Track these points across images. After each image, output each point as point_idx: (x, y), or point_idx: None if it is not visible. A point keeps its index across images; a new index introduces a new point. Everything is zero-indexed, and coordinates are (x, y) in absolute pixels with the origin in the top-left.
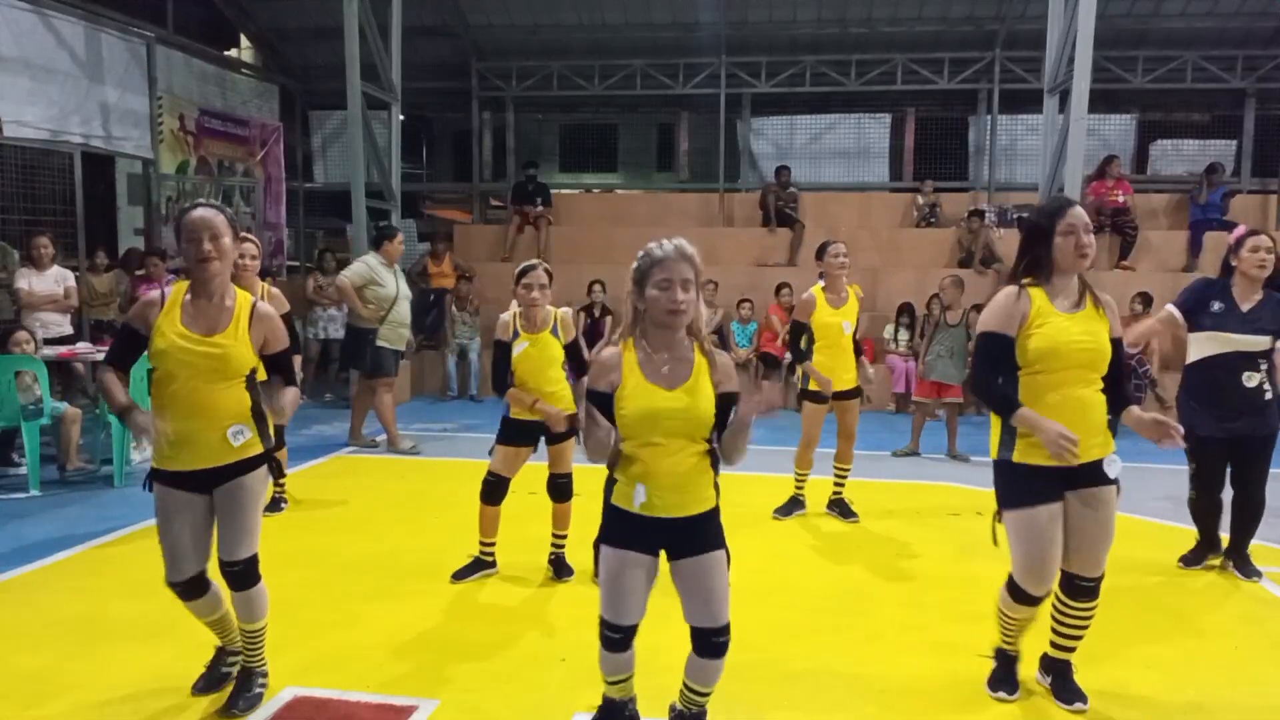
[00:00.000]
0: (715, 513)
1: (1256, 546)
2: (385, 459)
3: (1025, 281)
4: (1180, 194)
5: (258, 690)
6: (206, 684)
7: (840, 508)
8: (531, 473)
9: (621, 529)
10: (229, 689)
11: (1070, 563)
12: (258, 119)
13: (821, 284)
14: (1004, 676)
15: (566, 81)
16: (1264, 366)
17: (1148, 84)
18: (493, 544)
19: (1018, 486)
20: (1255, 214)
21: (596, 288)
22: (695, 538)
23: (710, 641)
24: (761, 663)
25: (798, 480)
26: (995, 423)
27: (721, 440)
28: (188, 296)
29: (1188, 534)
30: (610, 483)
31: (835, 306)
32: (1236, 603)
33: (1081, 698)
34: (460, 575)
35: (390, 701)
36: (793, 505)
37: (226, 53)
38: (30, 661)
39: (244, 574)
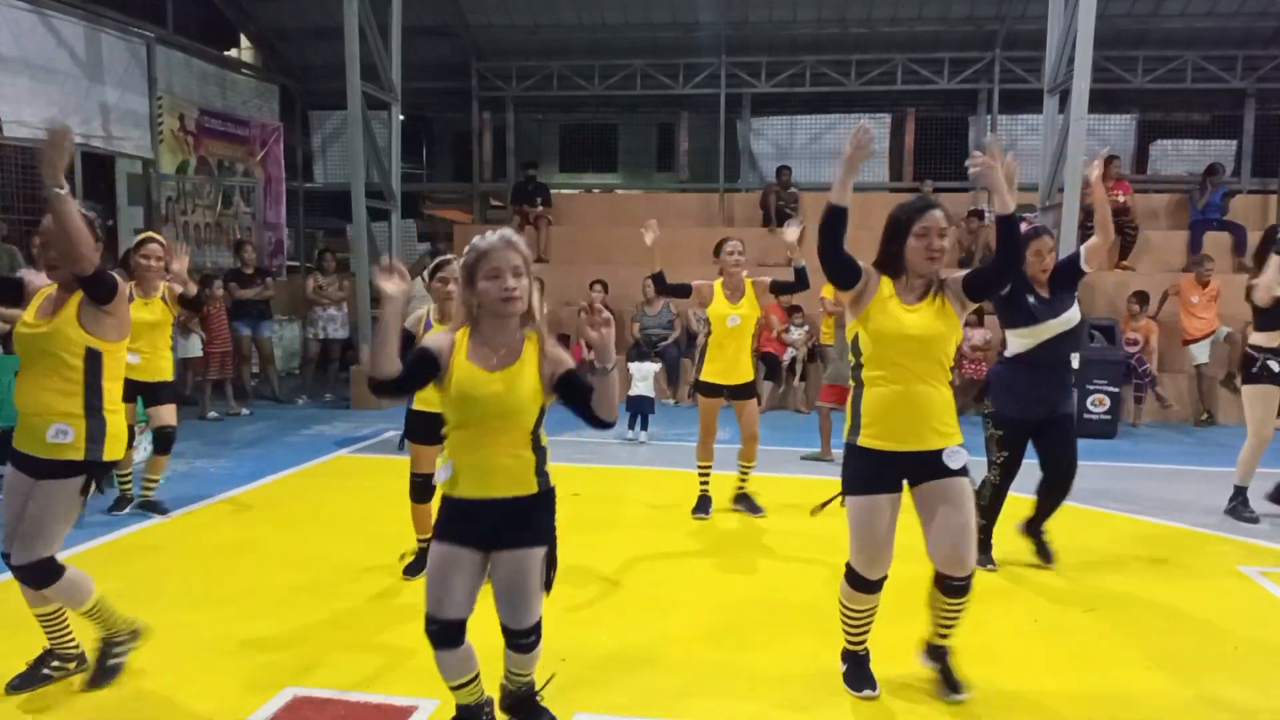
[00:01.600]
0: (538, 500)
1: (1256, 546)
2: (384, 459)
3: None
4: (1180, 194)
5: (114, 662)
6: (21, 681)
7: (746, 503)
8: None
9: (449, 521)
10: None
11: (936, 560)
12: (258, 119)
13: (721, 279)
14: (858, 674)
15: (566, 81)
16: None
17: (1148, 84)
18: (429, 539)
19: (859, 471)
20: (1255, 214)
21: (597, 288)
22: (514, 529)
23: (518, 642)
24: (754, 661)
25: (701, 475)
26: (848, 409)
27: (593, 401)
28: (51, 293)
29: (1188, 534)
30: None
31: (731, 301)
32: (1236, 603)
33: (959, 687)
34: (412, 571)
35: (390, 701)
36: (704, 504)
37: (226, 53)
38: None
39: (30, 575)
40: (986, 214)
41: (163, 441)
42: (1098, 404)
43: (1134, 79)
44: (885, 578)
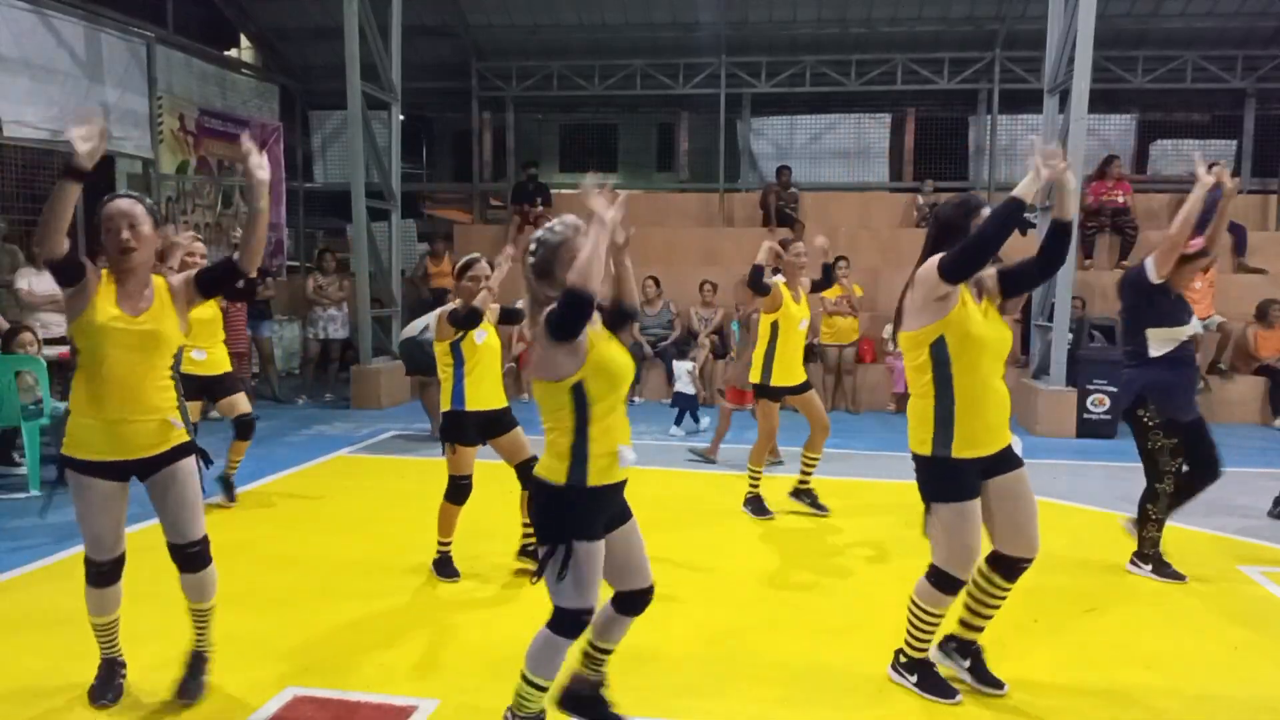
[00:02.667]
0: None
1: (1256, 546)
2: (384, 459)
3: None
4: (1180, 194)
5: (203, 678)
6: (111, 696)
7: (810, 498)
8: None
9: (595, 514)
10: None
11: (1012, 547)
12: (258, 119)
13: (784, 280)
14: (937, 682)
15: (566, 81)
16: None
17: (1148, 84)
18: (449, 543)
19: (953, 481)
20: (1255, 214)
21: None
22: (623, 501)
23: (645, 600)
24: (760, 661)
25: (752, 478)
26: (925, 419)
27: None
28: (115, 285)
29: (1186, 534)
30: (578, 466)
31: (797, 302)
32: (1236, 603)
33: (1000, 682)
34: (448, 574)
35: (390, 701)
36: (759, 505)
37: (226, 53)
38: (30, 661)
39: (199, 555)
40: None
41: (244, 428)
42: (1098, 404)
43: (1134, 79)
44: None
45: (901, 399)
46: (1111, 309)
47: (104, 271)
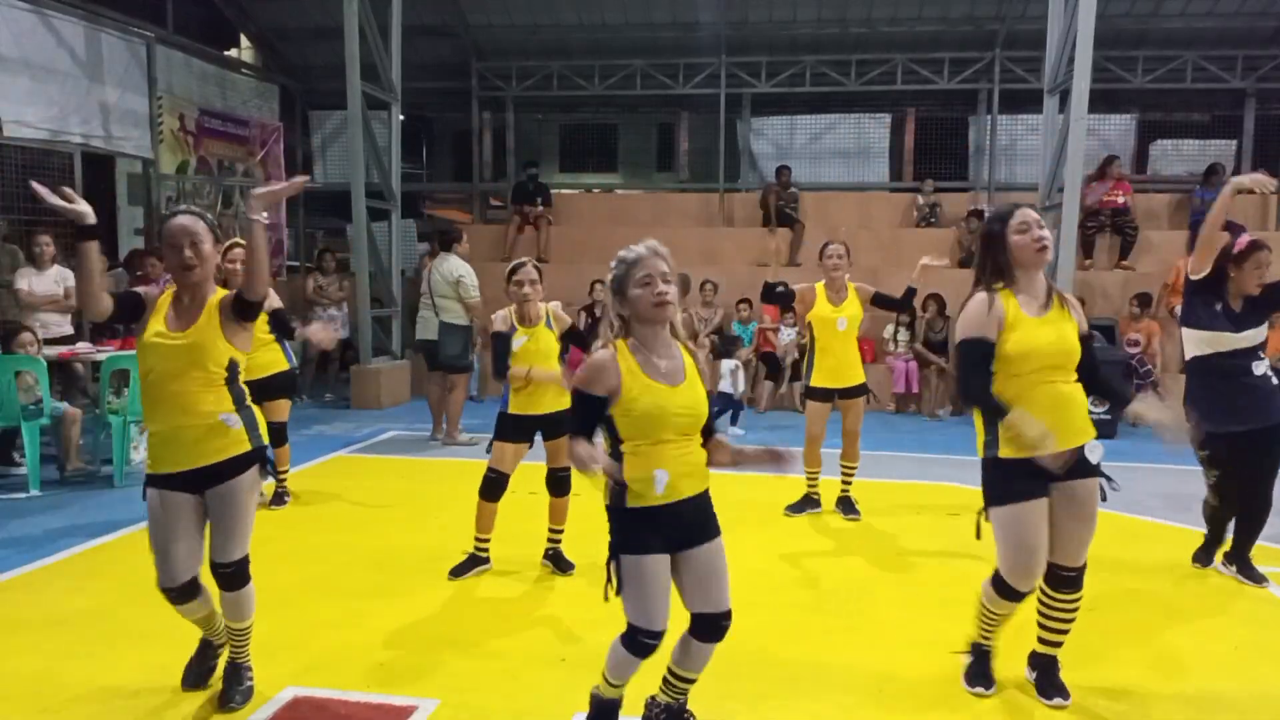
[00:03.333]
0: (708, 493)
1: (1257, 546)
2: (384, 459)
3: (996, 286)
4: (1180, 194)
5: (248, 684)
6: (196, 678)
7: (845, 506)
8: (531, 471)
9: (642, 531)
10: (217, 685)
11: (1053, 553)
12: (258, 119)
13: (824, 281)
14: (981, 671)
15: (566, 81)
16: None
17: (1148, 84)
18: (488, 540)
19: (1005, 482)
20: (1255, 214)
21: (598, 287)
22: (702, 523)
23: (720, 625)
24: (763, 661)
25: (809, 479)
26: (978, 423)
27: (709, 448)
28: (171, 302)
29: (1187, 534)
30: (619, 491)
31: (834, 304)
32: (1237, 603)
33: (1063, 693)
34: (457, 572)
35: (390, 701)
36: (805, 503)
37: (226, 53)
38: (30, 661)
39: (233, 576)
40: (987, 214)
41: (276, 436)
42: (1098, 404)
43: (1134, 79)
44: (1035, 587)
45: (902, 399)
46: (1112, 309)
47: (169, 290)
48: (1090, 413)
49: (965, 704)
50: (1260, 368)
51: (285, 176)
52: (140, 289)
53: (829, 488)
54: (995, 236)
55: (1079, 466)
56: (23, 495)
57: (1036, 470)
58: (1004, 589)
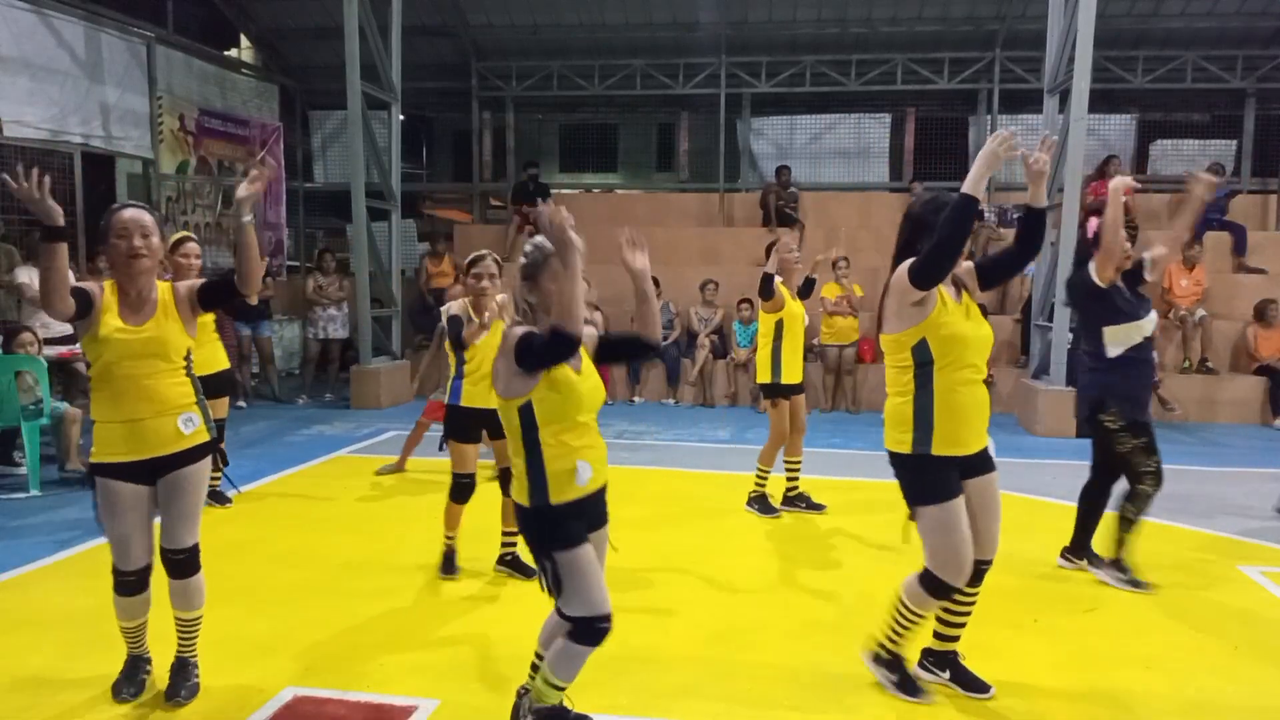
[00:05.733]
0: None
1: (1256, 546)
2: (384, 459)
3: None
4: (1180, 194)
5: (195, 680)
6: (137, 690)
7: (806, 502)
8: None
9: (574, 522)
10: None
11: (976, 549)
12: (258, 119)
13: (781, 280)
14: (910, 679)
15: (566, 81)
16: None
17: (1148, 84)
18: (454, 535)
19: (936, 480)
20: (1255, 214)
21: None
22: (603, 506)
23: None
24: (760, 662)
25: (789, 475)
26: (905, 418)
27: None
28: (115, 294)
29: (1188, 534)
30: (540, 489)
31: (798, 300)
32: (1236, 603)
33: (987, 686)
34: (447, 570)
35: (390, 701)
36: (764, 503)
37: (226, 53)
38: (30, 661)
39: (187, 562)
40: (987, 214)
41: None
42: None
43: (1134, 79)
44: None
45: None
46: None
47: (108, 283)
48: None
49: (966, 703)
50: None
51: (285, 176)
52: (84, 284)
53: (812, 486)
54: (928, 224)
55: (986, 462)
56: (23, 495)
57: (956, 466)
58: (936, 586)
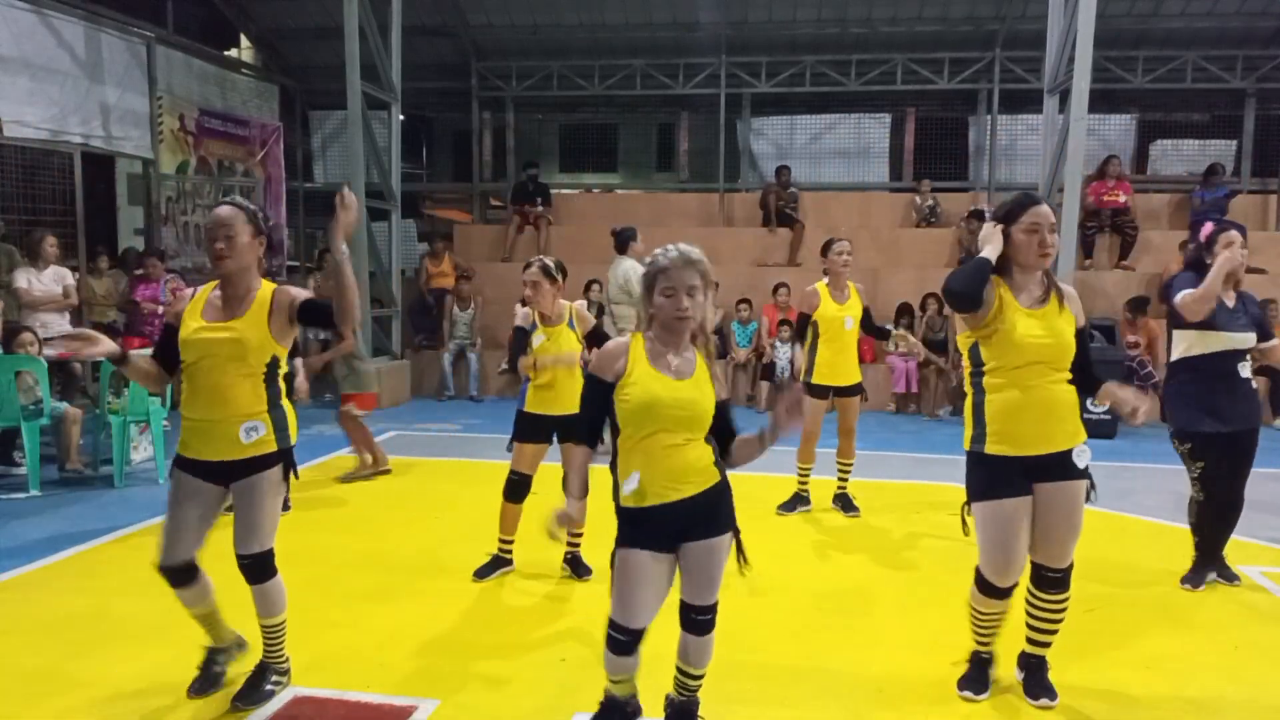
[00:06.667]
0: (722, 489)
1: (1256, 546)
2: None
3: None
4: (1180, 194)
5: (269, 688)
6: (201, 685)
7: (843, 502)
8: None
9: (633, 528)
10: (236, 685)
11: (1037, 553)
12: (258, 119)
13: (825, 280)
14: (975, 677)
15: (566, 81)
16: (1249, 359)
17: (1148, 84)
18: (511, 541)
19: (987, 477)
20: (1255, 214)
21: (595, 287)
22: (705, 520)
23: (698, 619)
24: (762, 662)
25: (800, 476)
26: (967, 416)
27: (734, 448)
28: (215, 293)
29: (1188, 534)
30: (616, 487)
31: (839, 302)
32: (1236, 603)
33: (1050, 694)
34: (482, 573)
35: (390, 701)
36: (796, 501)
37: (226, 53)
38: (30, 661)
39: (253, 568)
40: (987, 214)
41: None
42: (1098, 404)
43: (1134, 79)
44: (1017, 584)
45: (902, 399)
46: (1112, 309)
47: (208, 285)
48: (1089, 414)
49: (968, 706)
50: (1245, 370)
51: (285, 176)
52: (141, 289)
53: (822, 486)
54: (1002, 229)
55: (1065, 469)
56: (23, 495)
57: (1019, 465)
58: (985, 586)
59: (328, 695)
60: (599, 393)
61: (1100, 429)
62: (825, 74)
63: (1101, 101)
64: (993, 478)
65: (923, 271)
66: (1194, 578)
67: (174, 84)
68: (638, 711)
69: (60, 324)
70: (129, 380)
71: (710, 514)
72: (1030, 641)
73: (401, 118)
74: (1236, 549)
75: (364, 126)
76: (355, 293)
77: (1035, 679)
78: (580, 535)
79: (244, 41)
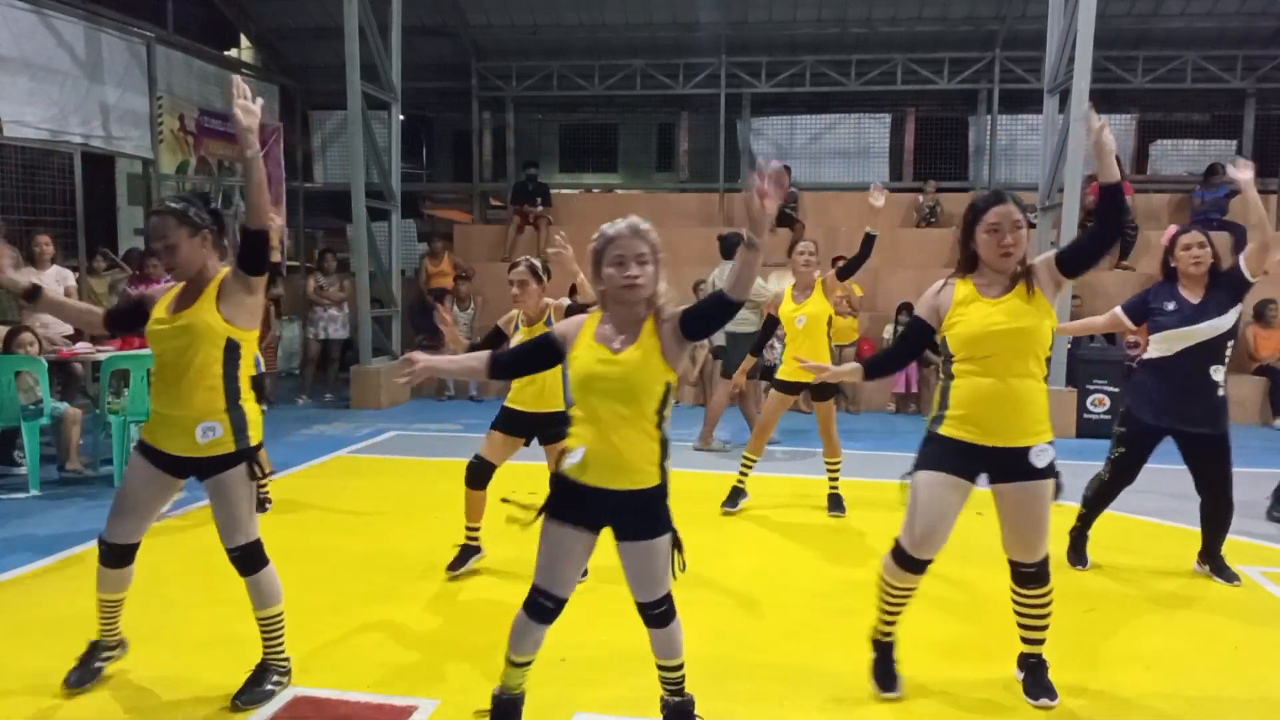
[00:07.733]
0: (657, 493)
1: (1256, 546)
2: (384, 459)
3: (952, 274)
4: (1180, 194)
5: (269, 687)
6: (80, 677)
7: (834, 503)
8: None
9: (565, 501)
10: (117, 679)
11: (1010, 551)
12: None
13: (792, 280)
14: (885, 669)
15: (566, 81)
16: (1224, 364)
17: (1148, 84)
18: (478, 528)
19: (937, 453)
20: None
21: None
22: (635, 520)
23: (651, 614)
24: (762, 662)
25: (742, 469)
26: (935, 401)
27: (729, 285)
28: (179, 292)
29: (1188, 534)
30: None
31: (797, 302)
32: (1236, 603)
33: (1050, 694)
34: (454, 566)
35: (390, 701)
36: (736, 495)
37: (226, 53)
38: (30, 661)
39: (243, 559)
40: None
41: None
42: (1098, 404)
43: (1134, 79)
44: (930, 561)
45: (902, 399)
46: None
47: (180, 284)
48: (1088, 414)
49: (967, 705)
50: (1217, 374)
51: (285, 176)
52: (141, 289)
53: (821, 486)
54: (967, 226)
55: (1026, 468)
56: (22, 495)
57: (974, 455)
58: (900, 556)
59: (328, 695)
60: (542, 347)
61: (1100, 429)
62: (825, 74)
63: (1101, 101)
64: (943, 454)
65: (923, 271)
66: (1074, 556)
67: (174, 84)
68: (520, 714)
69: (60, 324)
70: (129, 380)
71: (647, 515)
72: (1024, 640)
73: (401, 118)
74: (1236, 549)
75: (364, 126)
76: (265, 192)
77: (1035, 679)
78: None
79: (244, 41)
